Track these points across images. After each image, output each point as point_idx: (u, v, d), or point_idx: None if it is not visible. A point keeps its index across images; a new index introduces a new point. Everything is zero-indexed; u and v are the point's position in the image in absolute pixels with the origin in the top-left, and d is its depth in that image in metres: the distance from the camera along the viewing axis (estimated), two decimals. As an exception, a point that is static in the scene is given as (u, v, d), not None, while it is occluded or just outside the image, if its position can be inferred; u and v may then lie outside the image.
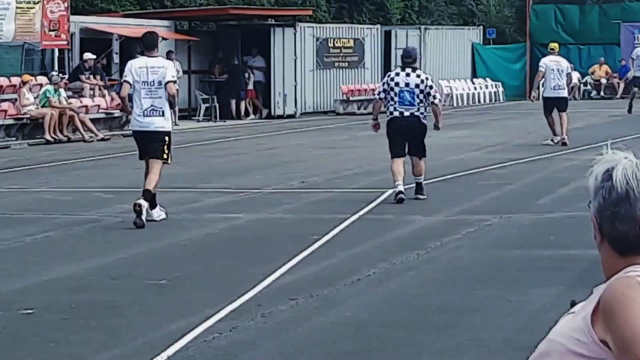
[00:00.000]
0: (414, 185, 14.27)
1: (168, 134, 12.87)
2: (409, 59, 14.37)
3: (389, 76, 14.41)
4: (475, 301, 8.42)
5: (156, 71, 12.69)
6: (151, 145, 12.77)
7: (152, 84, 12.65)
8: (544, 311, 7.95)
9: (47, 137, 24.77)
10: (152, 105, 12.67)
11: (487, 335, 7.38)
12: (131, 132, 13.22)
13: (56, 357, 7.12)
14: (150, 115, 12.70)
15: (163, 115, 12.73)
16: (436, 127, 14.73)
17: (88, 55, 27.58)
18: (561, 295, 8.36)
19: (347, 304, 8.43)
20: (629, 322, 2.48)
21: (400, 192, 13.81)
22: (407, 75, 14.18)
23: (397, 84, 14.14)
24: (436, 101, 14.37)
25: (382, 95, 14.28)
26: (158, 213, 12.71)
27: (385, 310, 8.22)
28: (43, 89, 25.60)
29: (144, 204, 12.27)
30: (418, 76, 14.21)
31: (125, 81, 12.94)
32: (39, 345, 7.37)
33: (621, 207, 2.61)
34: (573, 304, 2.75)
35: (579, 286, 8.65)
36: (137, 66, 12.78)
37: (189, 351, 7.15)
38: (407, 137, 14.19)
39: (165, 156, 12.80)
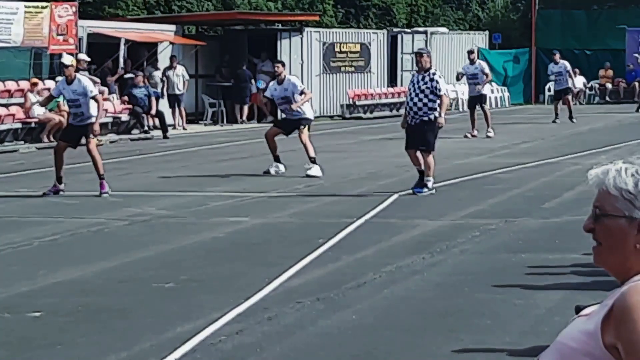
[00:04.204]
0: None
1: None
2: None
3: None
4: (480, 305, 8.44)
5: None
6: None
7: None
8: (549, 315, 7.98)
9: (44, 138, 24.84)
10: None
11: (492, 339, 7.40)
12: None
13: (64, 360, 7.16)
14: None
15: None
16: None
17: (81, 57, 26.30)
18: (566, 299, 8.38)
19: (353, 307, 8.45)
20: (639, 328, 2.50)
21: None
22: None
23: None
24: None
25: None
26: None
27: (390, 314, 8.25)
28: (53, 94, 25.60)
29: None
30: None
31: None
32: (46, 348, 7.40)
33: None
34: (578, 310, 2.76)
35: (583, 290, 8.69)
36: None
37: (196, 354, 7.19)
38: None
39: None
